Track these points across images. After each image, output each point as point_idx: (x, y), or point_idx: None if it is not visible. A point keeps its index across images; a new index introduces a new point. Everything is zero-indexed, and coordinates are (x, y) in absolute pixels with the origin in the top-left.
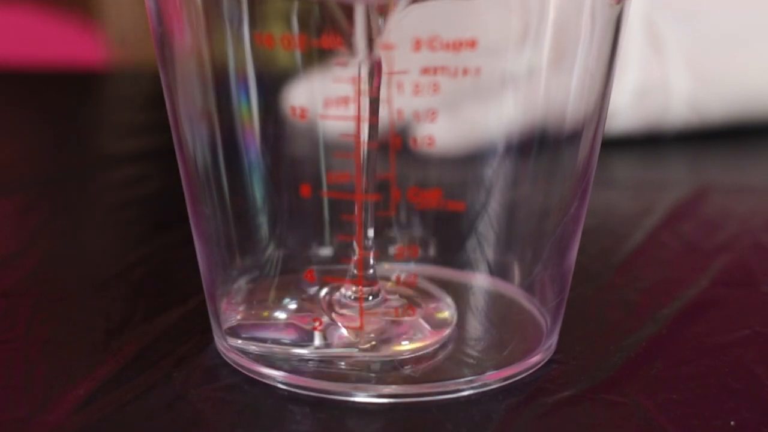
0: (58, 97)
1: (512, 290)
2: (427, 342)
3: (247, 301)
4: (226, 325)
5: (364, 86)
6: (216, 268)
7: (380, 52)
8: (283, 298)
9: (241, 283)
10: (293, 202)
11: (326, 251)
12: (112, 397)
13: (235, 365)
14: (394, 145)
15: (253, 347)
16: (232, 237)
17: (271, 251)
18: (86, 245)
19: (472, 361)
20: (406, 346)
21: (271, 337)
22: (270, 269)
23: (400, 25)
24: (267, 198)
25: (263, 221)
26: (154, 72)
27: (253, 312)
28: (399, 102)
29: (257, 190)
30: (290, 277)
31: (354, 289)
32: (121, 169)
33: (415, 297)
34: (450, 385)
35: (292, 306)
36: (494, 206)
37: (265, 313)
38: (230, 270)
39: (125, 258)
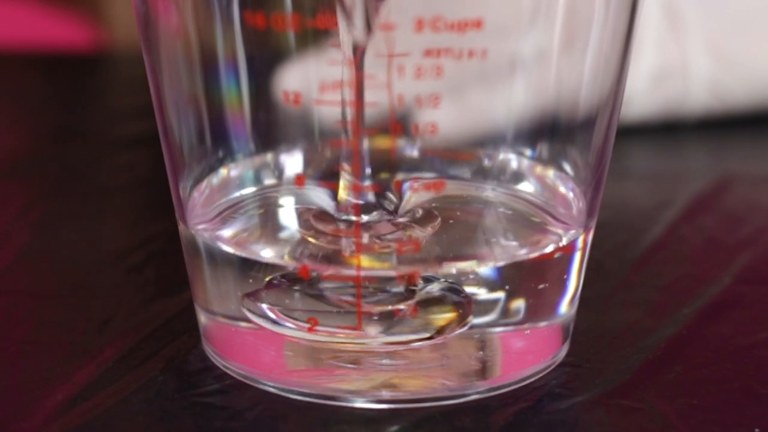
0: (35, 81)
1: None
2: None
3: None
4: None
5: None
6: (204, 270)
7: (378, 33)
8: (276, 295)
9: (231, 277)
10: (287, 191)
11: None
12: (92, 402)
13: (224, 368)
14: (395, 133)
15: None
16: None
17: (264, 245)
18: (65, 239)
19: (477, 363)
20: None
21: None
22: (262, 267)
23: (401, 4)
24: (257, 189)
25: (254, 213)
26: (138, 56)
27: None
28: (400, 86)
29: (247, 181)
30: (284, 270)
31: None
32: (103, 157)
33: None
34: (454, 389)
35: (285, 304)
36: (502, 199)
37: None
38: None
39: (107, 252)
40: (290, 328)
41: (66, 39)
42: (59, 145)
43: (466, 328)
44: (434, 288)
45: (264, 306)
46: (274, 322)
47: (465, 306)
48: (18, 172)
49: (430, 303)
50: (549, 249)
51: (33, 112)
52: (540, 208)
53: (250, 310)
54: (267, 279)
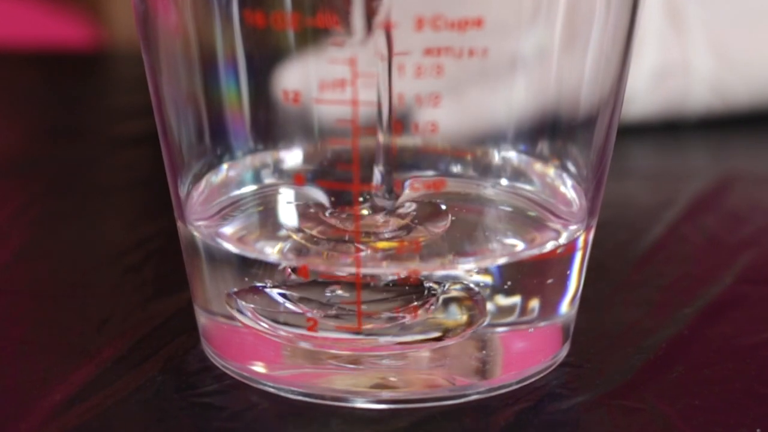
0: (34, 80)
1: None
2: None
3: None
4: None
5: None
6: (203, 270)
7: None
8: (272, 295)
9: (230, 276)
10: (286, 190)
11: (322, 244)
12: (91, 402)
13: (223, 368)
14: (395, 132)
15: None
16: None
17: (263, 244)
18: (63, 238)
19: (478, 363)
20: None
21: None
22: (261, 266)
23: (402, 2)
24: (256, 187)
25: (253, 212)
26: (137, 54)
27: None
28: (400, 85)
29: (246, 180)
30: (282, 269)
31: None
32: (103, 156)
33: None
34: (454, 389)
35: (283, 305)
36: (503, 197)
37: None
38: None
39: (105, 252)
40: (288, 329)
41: (66, 37)
42: (58, 144)
43: (479, 328)
44: (450, 288)
45: (259, 307)
46: (271, 322)
47: (479, 307)
48: (16, 170)
49: (443, 303)
50: (550, 248)
51: (32, 111)
52: (541, 206)
53: (239, 310)
54: (262, 282)
